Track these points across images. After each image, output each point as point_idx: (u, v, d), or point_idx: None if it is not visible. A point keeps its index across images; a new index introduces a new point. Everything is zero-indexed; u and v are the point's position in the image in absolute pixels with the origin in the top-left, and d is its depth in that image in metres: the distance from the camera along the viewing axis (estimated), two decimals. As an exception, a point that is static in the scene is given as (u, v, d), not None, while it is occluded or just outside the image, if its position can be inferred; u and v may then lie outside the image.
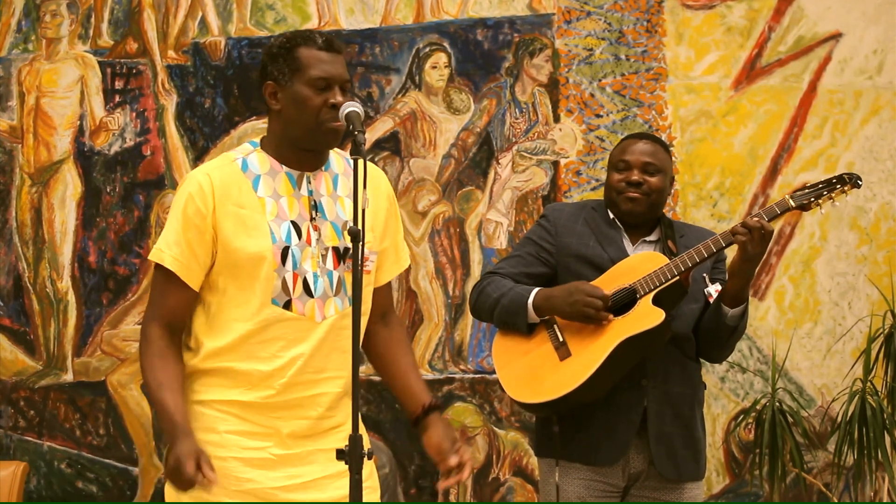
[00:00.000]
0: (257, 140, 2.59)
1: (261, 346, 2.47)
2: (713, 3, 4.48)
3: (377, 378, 2.80)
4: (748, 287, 2.98)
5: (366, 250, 2.52)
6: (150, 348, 2.48)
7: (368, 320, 2.67)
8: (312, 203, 2.53)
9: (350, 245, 2.46)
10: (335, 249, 2.53)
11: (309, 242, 2.51)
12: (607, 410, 2.98)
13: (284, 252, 2.48)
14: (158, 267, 2.49)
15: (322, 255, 2.51)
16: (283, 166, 2.53)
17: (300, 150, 2.52)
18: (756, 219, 2.89)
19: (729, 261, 3.08)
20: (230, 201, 2.47)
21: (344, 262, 2.52)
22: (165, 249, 2.47)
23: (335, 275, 2.52)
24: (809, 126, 4.41)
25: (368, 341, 2.71)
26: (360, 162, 2.29)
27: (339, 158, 2.63)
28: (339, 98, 2.46)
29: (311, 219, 2.52)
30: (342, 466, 2.22)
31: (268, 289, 2.46)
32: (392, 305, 2.81)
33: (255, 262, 2.46)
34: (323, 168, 2.57)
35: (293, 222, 2.50)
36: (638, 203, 3.06)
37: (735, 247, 2.95)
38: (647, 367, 3.00)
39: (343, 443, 2.24)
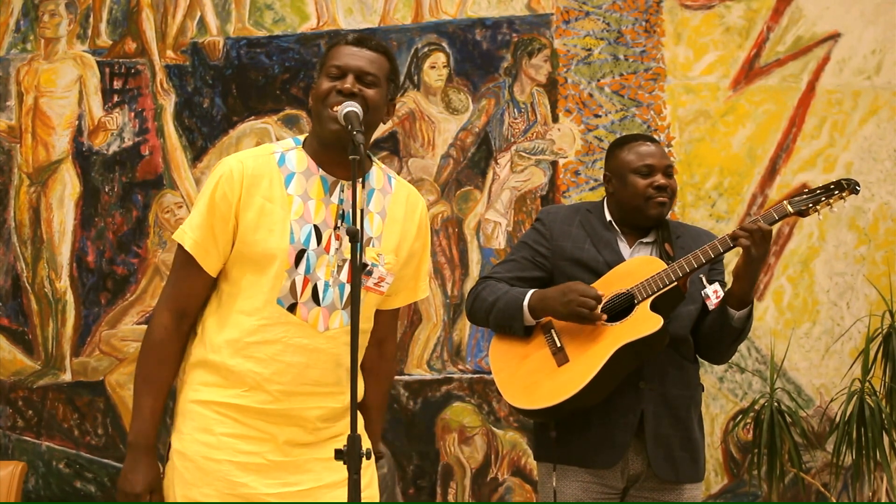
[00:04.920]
0: (301, 138, 2.57)
1: (259, 347, 2.44)
2: (712, 4, 4.48)
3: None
4: (753, 289, 2.98)
5: (383, 270, 2.51)
6: (154, 340, 2.46)
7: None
8: (340, 212, 2.49)
9: (368, 262, 2.46)
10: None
11: (327, 250, 2.47)
12: (605, 413, 2.97)
13: (300, 254, 2.44)
14: (180, 247, 2.47)
15: (338, 266, 2.47)
16: (320, 169, 2.50)
17: (326, 146, 2.48)
18: (753, 221, 2.90)
19: (728, 261, 3.08)
20: (258, 192, 2.44)
21: (359, 278, 2.45)
22: (188, 231, 2.45)
23: (347, 288, 2.47)
24: (808, 126, 4.41)
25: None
26: (356, 160, 2.26)
27: (380, 174, 2.60)
28: (348, 85, 2.43)
29: (336, 227, 2.48)
30: (339, 476, 2.18)
31: (275, 287, 2.43)
32: (393, 334, 2.76)
33: (267, 258, 2.43)
34: (360, 179, 2.51)
35: (316, 227, 2.46)
36: (666, 207, 3.08)
37: (734, 248, 2.96)
38: (644, 370, 2.99)
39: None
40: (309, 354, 2.46)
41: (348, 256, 2.47)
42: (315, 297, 2.46)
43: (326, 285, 2.46)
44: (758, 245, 2.87)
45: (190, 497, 2.45)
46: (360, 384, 2.62)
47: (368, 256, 2.49)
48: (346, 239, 2.45)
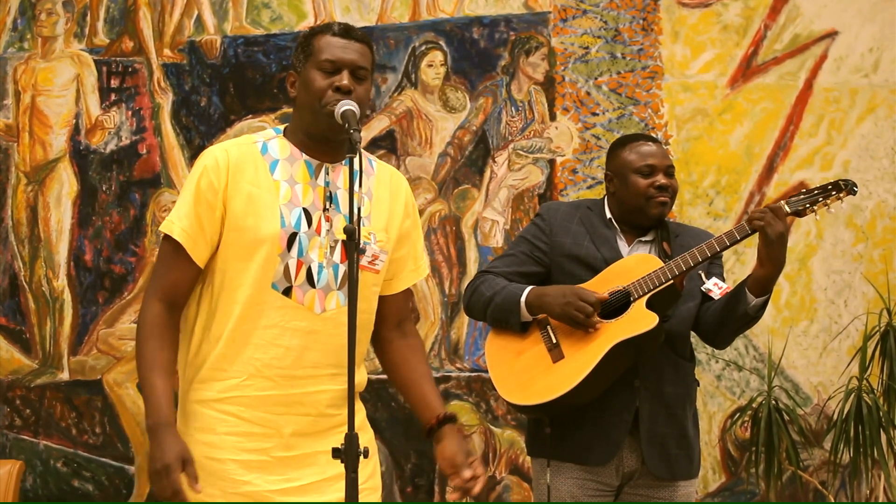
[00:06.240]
0: (281, 127, 2.57)
1: (257, 332, 2.44)
2: (709, 2, 4.48)
3: (374, 376, 2.78)
4: (777, 276, 2.94)
5: (377, 248, 2.51)
6: (148, 326, 2.44)
7: (384, 328, 2.64)
8: (328, 194, 2.50)
9: (359, 239, 2.46)
10: (345, 243, 2.46)
11: (318, 232, 2.48)
12: (600, 411, 2.98)
13: (291, 238, 2.44)
14: (167, 238, 2.46)
15: (330, 247, 2.48)
16: (304, 154, 2.51)
17: (314, 137, 2.49)
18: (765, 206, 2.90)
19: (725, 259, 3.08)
20: (244, 179, 2.45)
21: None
22: (176, 221, 2.45)
23: (341, 268, 2.49)
24: (805, 124, 4.41)
25: (383, 349, 2.68)
26: (356, 159, 2.26)
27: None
28: (346, 82, 2.43)
29: (325, 209, 2.49)
30: (342, 468, 2.18)
31: (269, 272, 2.43)
32: (409, 314, 2.76)
33: (259, 244, 2.43)
34: (343, 162, 2.51)
35: (305, 209, 2.47)
36: (667, 207, 3.08)
37: (731, 247, 2.97)
38: (639, 368, 2.99)
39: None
40: (307, 337, 2.46)
41: (339, 237, 2.48)
42: (310, 279, 2.46)
43: (320, 267, 2.47)
44: (773, 224, 2.86)
45: (194, 498, 2.43)
46: (362, 374, 2.62)
47: (360, 235, 2.49)
48: (336, 220, 2.48)
